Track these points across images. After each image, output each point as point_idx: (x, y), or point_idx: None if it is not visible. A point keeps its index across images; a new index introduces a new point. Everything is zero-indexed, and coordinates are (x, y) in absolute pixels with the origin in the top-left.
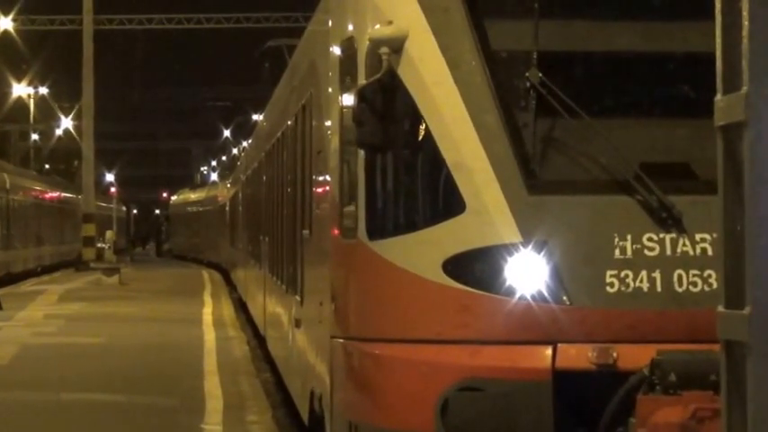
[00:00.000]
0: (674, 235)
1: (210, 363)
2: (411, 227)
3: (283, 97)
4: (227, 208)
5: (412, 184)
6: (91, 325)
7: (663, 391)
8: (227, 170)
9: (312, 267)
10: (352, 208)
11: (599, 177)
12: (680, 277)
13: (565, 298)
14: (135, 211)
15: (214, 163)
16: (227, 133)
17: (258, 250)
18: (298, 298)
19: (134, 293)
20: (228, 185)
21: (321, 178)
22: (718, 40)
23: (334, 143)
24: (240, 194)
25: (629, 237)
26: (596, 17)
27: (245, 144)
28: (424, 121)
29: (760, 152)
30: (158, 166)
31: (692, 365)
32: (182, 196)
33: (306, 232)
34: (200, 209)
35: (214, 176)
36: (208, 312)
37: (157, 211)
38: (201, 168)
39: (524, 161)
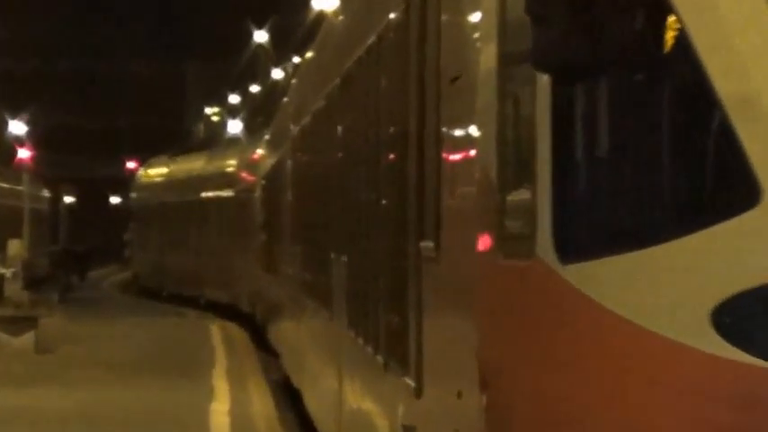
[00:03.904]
0: None
1: None
2: (645, 238)
3: None
4: (259, 195)
5: (648, 153)
6: None
7: None
8: (259, 116)
9: (441, 317)
10: (524, 196)
11: None
12: None
13: None
14: (70, 200)
15: (234, 99)
16: (259, 37)
17: (326, 282)
18: (410, 382)
19: (65, 370)
20: (262, 150)
21: (458, 134)
22: None
23: (487, 61)
24: (287, 168)
25: None
26: None
27: (298, 61)
28: (685, 31)
29: None
30: (119, 107)
31: None
32: (158, 171)
33: (427, 245)
34: (199, 197)
35: (233, 127)
36: (221, 410)
37: (114, 200)
38: (207, 111)
39: None
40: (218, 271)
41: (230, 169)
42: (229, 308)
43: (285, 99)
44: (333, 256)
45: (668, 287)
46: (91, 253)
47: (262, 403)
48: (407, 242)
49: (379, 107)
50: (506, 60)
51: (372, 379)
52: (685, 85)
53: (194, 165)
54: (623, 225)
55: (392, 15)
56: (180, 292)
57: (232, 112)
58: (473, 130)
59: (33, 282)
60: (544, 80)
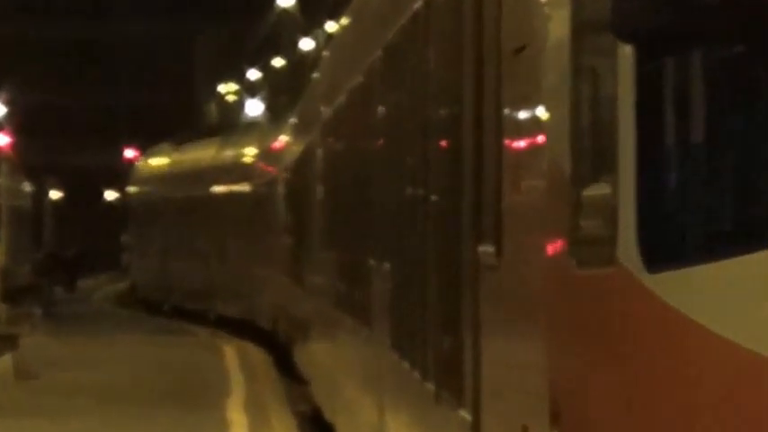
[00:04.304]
0: None
1: None
2: (748, 242)
3: None
4: (282, 189)
5: (750, 140)
6: None
7: None
8: (283, 95)
9: (503, 337)
10: (603, 191)
11: None
12: None
13: None
14: (57, 196)
15: (254, 75)
16: (284, 0)
17: (364, 294)
18: (465, 415)
19: (50, 399)
20: (286, 136)
21: (523, 117)
22: None
23: (559, 29)
24: (317, 157)
25: None
26: None
27: (331, 29)
28: None
29: None
30: (115, 84)
31: None
32: (162, 161)
33: (487, 250)
34: (209, 192)
35: (252, 108)
36: None
37: (109, 195)
38: (220, 88)
39: None
40: (233, 280)
41: (247, 159)
42: (246, 324)
43: (315, 75)
44: (372, 263)
45: None
46: (81, 259)
47: None
48: (462, 247)
49: (428, 85)
50: (582, 28)
51: (420, 411)
52: None
53: (204, 154)
54: (721, 226)
55: None
56: (187, 306)
57: (251, 90)
58: (541, 112)
59: (13, 293)
60: (627, 51)
